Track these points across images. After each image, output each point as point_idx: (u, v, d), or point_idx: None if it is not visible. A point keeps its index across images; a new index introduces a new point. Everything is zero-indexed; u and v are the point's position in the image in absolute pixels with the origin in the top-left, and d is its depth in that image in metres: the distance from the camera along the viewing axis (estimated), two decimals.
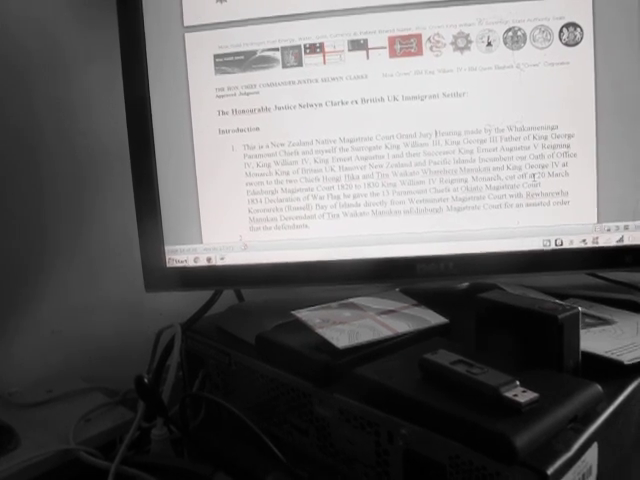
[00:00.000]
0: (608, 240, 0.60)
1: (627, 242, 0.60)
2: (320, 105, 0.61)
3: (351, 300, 0.59)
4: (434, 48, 0.59)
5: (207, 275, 0.64)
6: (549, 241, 0.60)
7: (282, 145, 0.61)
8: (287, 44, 0.60)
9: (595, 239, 0.60)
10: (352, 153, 0.61)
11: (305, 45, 0.60)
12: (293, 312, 0.55)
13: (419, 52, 0.59)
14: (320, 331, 0.52)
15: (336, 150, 0.61)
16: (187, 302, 0.68)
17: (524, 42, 0.58)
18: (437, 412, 0.40)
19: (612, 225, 0.60)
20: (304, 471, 0.50)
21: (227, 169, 0.63)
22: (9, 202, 0.70)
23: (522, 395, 0.38)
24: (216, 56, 0.62)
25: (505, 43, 0.59)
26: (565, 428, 0.38)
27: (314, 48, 0.60)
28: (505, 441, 0.35)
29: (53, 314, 0.74)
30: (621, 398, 0.43)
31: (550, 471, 0.35)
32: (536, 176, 0.59)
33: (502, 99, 0.59)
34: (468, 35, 0.59)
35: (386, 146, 0.60)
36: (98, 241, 0.77)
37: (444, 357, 0.43)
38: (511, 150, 0.59)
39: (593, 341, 0.49)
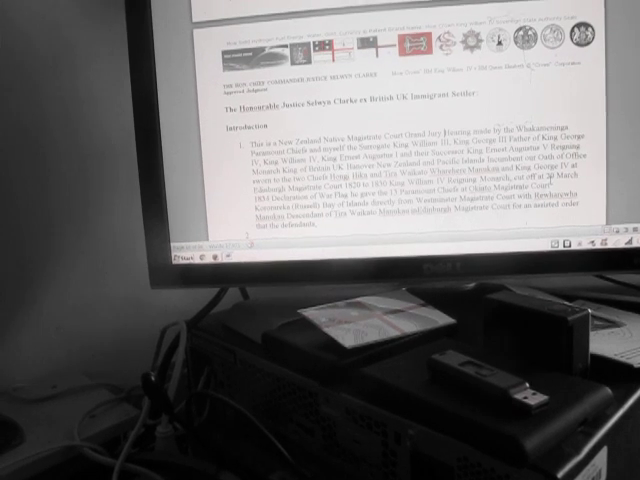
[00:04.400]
0: (617, 242, 0.60)
1: (636, 244, 0.59)
2: (328, 103, 0.60)
3: (358, 299, 0.59)
4: (444, 47, 0.59)
5: (213, 272, 0.64)
6: (557, 242, 0.60)
7: (290, 143, 0.61)
8: (296, 41, 0.60)
9: (604, 241, 0.60)
10: (360, 151, 0.60)
11: (314, 42, 0.60)
12: (300, 311, 0.55)
13: (429, 50, 0.59)
14: (327, 330, 0.51)
15: (344, 148, 0.60)
16: (192, 299, 0.68)
17: (535, 41, 0.58)
18: (446, 413, 0.39)
19: (621, 227, 0.59)
20: (309, 470, 0.49)
21: (234, 166, 0.62)
22: (15, 199, 0.70)
23: (532, 397, 0.38)
24: (224, 52, 0.61)
25: (516, 42, 0.58)
26: (575, 431, 0.38)
27: (323, 45, 0.60)
28: (515, 444, 0.35)
29: (58, 310, 0.74)
30: (631, 401, 0.43)
31: (560, 474, 0.35)
32: (545, 177, 0.59)
33: (512, 99, 0.59)
34: (478, 34, 0.58)
35: (394, 145, 0.60)
36: (104, 238, 0.77)
37: (453, 358, 0.43)
38: (520, 150, 0.59)
39: (602, 343, 0.49)
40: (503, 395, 0.38)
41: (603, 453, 0.39)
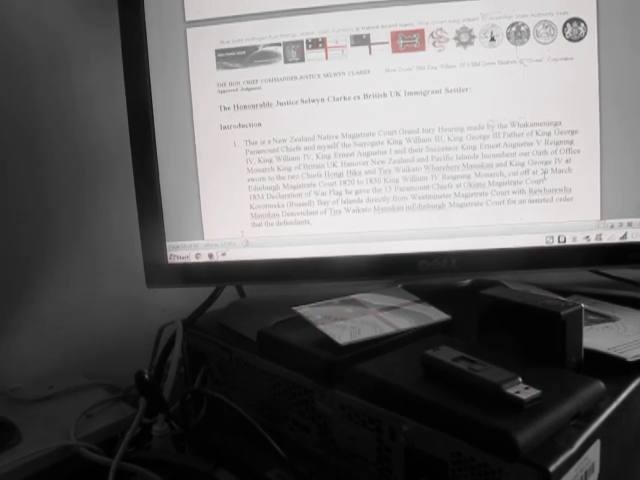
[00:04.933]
0: (612, 237, 0.60)
1: (631, 239, 0.60)
2: (322, 100, 0.60)
3: (353, 296, 0.59)
4: (437, 43, 0.59)
5: (208, 271, 0.64)
6: (552, 238, 0.60)
7: (284, 141, 0.61)
8: (289, 39, 0.60)
9: (598, 236, 0.60)
10: (354, 149, 0.60)
11: (307, 40, 0.60)
12: (295, 308, 0.55)
13: (422, 47, 0.59)
14: (322, 327, 0.51)
15: (338, 146, 0.60)
16: (188, 298, 0.68)
17: (527, 37, 0.58)
18: (439, 409, 0.39)
19: (616, 222, 0.59)
20: (305, 467, 0.50)
21: (229, 165, 0.62)
22: (11, 199, 0.70)
23: (524, 392, 0.38)
24: (218, 51, 0.61)
25: (508, 38, 0.58)
26: (567, 425, 0.38)
27: (316, 43, 0.60)
28: (507, 438, 0.35)
29: (55, 310, 0.74)
30: (624, 395, 0.43)
31: (552, 468, 0.35)
32: (539, 172, 0.59)
33: (505, 95, 0.59)
34: (471, 30, 0.58)
35: (388, 142, 0.60)
36: (100, 237, 0.77)
37: (446, 354, 0.43)
38: (514, 146, 0.59)
39: (596, 338, 0.49)
40: (496, 390, 0.38)
41: (596, 446, 0.39)
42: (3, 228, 0.69)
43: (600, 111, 0.58)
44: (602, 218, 0.59)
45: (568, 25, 0.58)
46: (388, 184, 0.60)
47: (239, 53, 0.61)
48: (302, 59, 0.60)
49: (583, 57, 0.58)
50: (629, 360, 0.45)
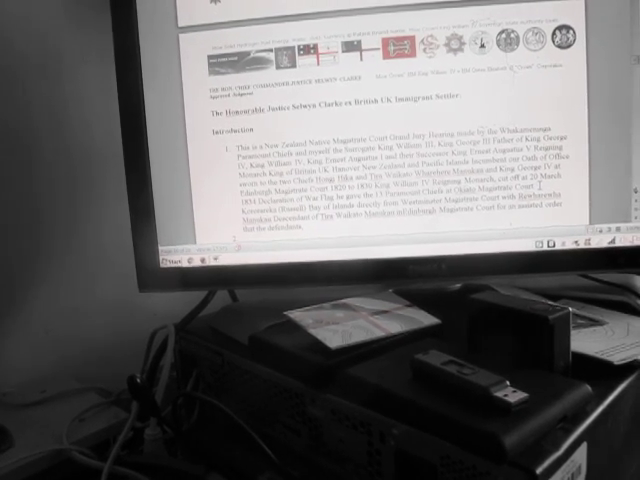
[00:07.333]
0: (600, 241, 0.60)
1: (619, 244, 0.60)
2: (314, 106, 0.61)
3: (344, 301, 0.59)
4: (427, 50, 0.59)
5: (201, 275, 0.64)
6: (541, 242, 0.61)
7: (276, 146, 0.61)
8: (281, 45, 0.61)
9: (587, 241, 0.60)
10: (345, 154, 0.61)
11: (299, 46, 0.60)
12: (286, 313, 0.55)
13: (412, 54, 0.59)
14: (313, 331, 0.52)
15: (330, 151, 0.61)
16: (181, 302, 0.68)
17: (517, 44, 0.59)
18: (428, 412, 0.40)
19: (604, 226, 0.60)
20: (296, 471, 0.50)
21: (221, 170, 0.63)
22: (3, 202, 0.70)
23: (512, 395, 0.38)
24: (210, 57, 0.62)
25: (498, 45, 0.59)
26: (554, 428, 0.39)
27: (308, 49, 0.60)
28: (495, 441, 0.35)
29: (47, 314, 0.74)
30: (610, 398, 0.43)
31: (539, 470, 0.35)
32: (529, 178, 0.60)
33: (495, 101, 0.59)
34: (461, 37, 0.59)
35: (379, 147, 0.60)
36: (92, 241, 0.77)
37: (435, 357, 0.43)
38: (504, 152, 0.60)
39: (584, 342, 0.49)
40: (484, 393, 0.38)
41: (583, 449, 0.39)
42: None
43: (589, 117, 0.59)
44: (591, 223, 0.60)
45: (557, 32, 0.58)
46: (379, 189, 0.61)
47: (231, 59, 0.62)
48: (294, 65, 0.61)
49: (572, 64, 0.58)
50: (616, 363, 0.46)
